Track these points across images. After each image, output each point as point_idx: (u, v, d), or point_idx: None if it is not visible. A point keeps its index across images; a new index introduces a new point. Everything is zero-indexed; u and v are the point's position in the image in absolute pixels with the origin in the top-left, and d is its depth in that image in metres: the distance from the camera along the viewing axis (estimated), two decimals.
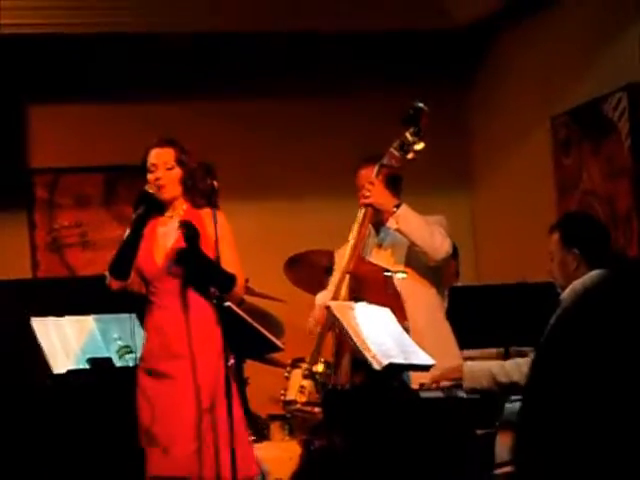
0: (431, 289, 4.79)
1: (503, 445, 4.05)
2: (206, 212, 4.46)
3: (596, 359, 1.05)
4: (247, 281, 6.24)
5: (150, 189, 4.46)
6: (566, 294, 3.93)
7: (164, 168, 4.49)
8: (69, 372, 4.93)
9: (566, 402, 1.05)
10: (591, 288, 1.12)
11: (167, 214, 4.54)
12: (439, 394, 4.13)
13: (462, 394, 4.09)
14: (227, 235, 4.41)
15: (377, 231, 4.87)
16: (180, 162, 4.50)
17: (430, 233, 4.63)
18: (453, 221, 4.91)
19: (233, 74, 7.15)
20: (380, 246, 4.85)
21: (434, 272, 4.79)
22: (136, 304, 4.82)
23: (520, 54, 6.95)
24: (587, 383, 1.04)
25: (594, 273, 3.99)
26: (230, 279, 4.38)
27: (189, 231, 4.33)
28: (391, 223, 4.67)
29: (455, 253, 5.85)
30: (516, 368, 3.95)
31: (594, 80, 6.18)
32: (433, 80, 7.22)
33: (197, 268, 4.39)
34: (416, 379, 4.33)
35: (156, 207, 4.52)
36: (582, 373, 1.05)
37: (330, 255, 5.23)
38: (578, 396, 1.05)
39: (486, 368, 4.07)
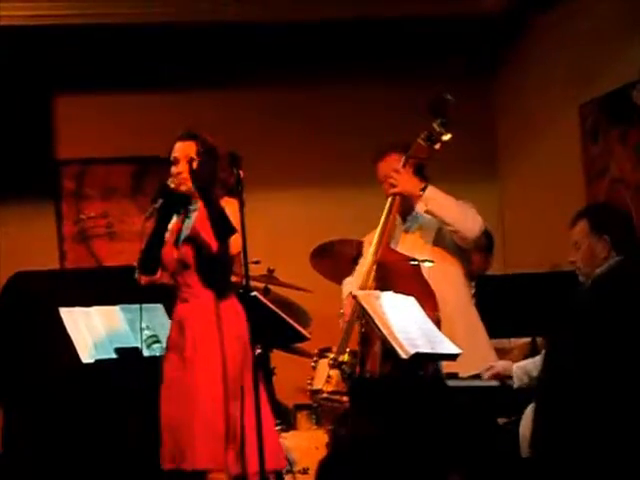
0: (459, 274, 4.77)
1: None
2: (224, 201, 4.44)
3: (608, 345, 1.03)
4: (273, 271, 6.26)
5: (171, 183, 4.47)
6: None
7: (185, 161, 4.49)
8: (97, 362, 4.95)
9: (579, 390, 1.04)
10: (603, 275, 1.11)
11: (192, 207, 4.54)
12: (467, 383, 4.13)
13: (490, 383, 4.09)
14: (235, 220, 4.35)
15: (404, 220, 4.86)
16: (201, 155, 4.49)
17: (461, 210, 4.61)
18: (480, 210, 4.88)
19: (262, 64, 7.13)
20: (407, 232, 4.83)
21: (462, 256, 4.77)
22: (163, 294, 4.83)
23: (548, 41, 6.90)
24: (600, 368, 1.03)
25: (612, 261, 3.96)
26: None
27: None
28: (420, 206, 4.64)
29: (490, 247, 5.81)
30: None
31: (622, 67, 6.12)
32: (461, 67, 7.18)
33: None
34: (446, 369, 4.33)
35: (178, 201, 4.51)
36: (595, 359, 1.04)
37: (357, 244, 5.22)
38: (591, 385, 1.03)
39: (524, 366, 4.10)
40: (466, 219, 4.59)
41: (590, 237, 4.06)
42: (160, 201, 4.46)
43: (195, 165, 4.43)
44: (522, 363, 4.19)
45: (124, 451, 4.89)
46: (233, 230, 4.29)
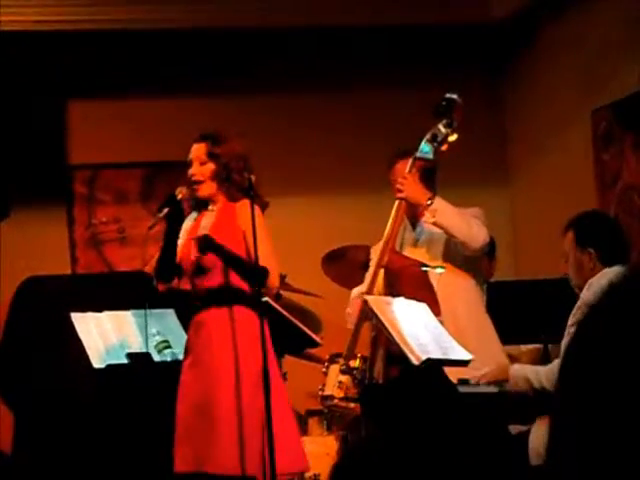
0: (470, 282, 4.77)
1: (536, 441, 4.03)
2: (241, 204, 4.44)
3: (630, 357, 1.02)
4: (285, 277, 6.26)
5: (178, 194, 4.48)
6: (587, 293, 3.91)
7: (198, 163, 4.50)
8: (108, 367, 4.96)
9: (601, 406, 1.03)
10: (618, 284, 1.09)
11: (210, 208, 4.55)
12: (477, 389, 4.12)
13: (498, 389, 4.08)
14: (259, 228, 4.37)
15: (413, 226, 4.85)
16: (212, 156, 4.49)
17: (466, 223, 4.62)
18: (492, 215, 4.88)
19: (277, 69, 7.13)
20: (416, 243, 4.83)
21: (472, 265, 4.77)
22: (175, 299, 4.84)
23: (560, 46, 6.89)
24: (623, 381, 1.02)
25: (615, 269, 3.95)
26: (261, 273, 4.34)
27: (202, 244, 4.35)
28: (427, 217, 4.65)
29: (492, 252, 5.80)
30: (549, 373, 3.95)
31: (635, 72, 6.11)
32: (471, 73, 7.18)
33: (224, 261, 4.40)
34: (455, 374, 4.31)
35: (188, 207, 4.53)
36: (617, 371, 1.03)
37: (368, 250, 5.21)
38: (613, 397, 1.02)
39: (525, 372, 4.07)
40: (471, 231, 4.61)
41: (575, 250, 4.09)
42: (165, 210, 4.47)
43: (212, 168, 4.46)
44: (525, 369, 4.16)
45: (135, 456, 4.89)
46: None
